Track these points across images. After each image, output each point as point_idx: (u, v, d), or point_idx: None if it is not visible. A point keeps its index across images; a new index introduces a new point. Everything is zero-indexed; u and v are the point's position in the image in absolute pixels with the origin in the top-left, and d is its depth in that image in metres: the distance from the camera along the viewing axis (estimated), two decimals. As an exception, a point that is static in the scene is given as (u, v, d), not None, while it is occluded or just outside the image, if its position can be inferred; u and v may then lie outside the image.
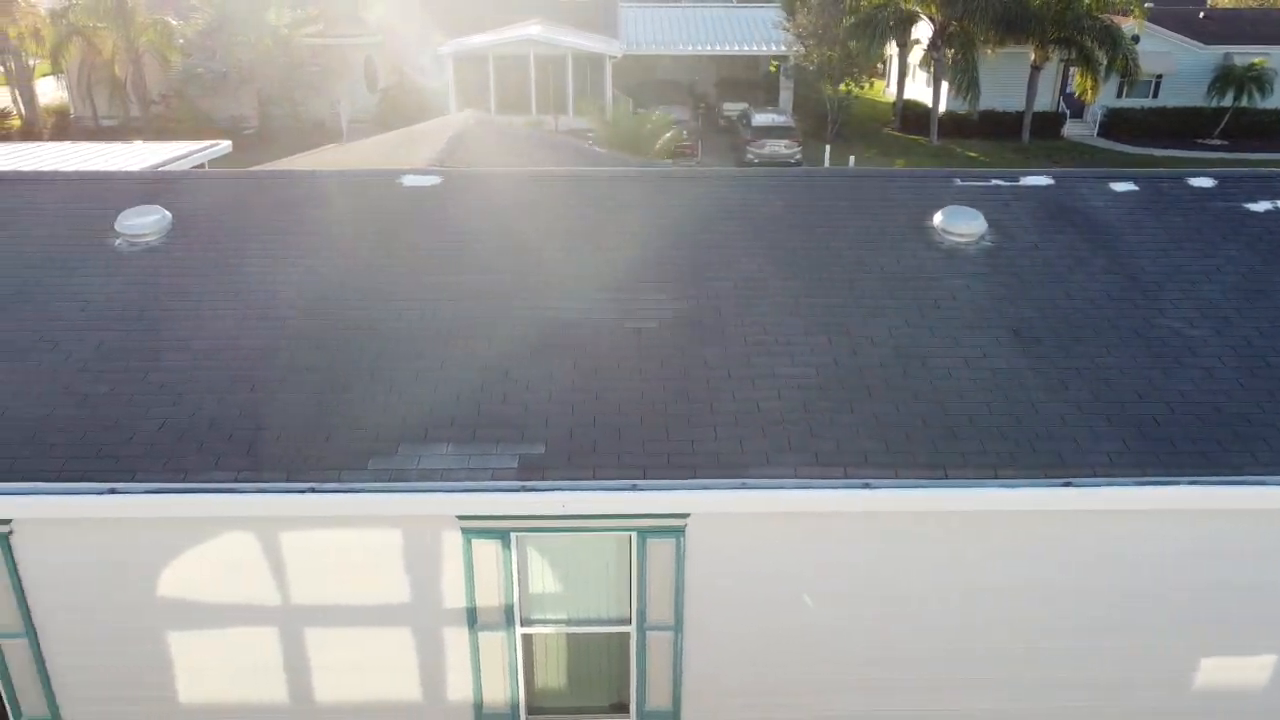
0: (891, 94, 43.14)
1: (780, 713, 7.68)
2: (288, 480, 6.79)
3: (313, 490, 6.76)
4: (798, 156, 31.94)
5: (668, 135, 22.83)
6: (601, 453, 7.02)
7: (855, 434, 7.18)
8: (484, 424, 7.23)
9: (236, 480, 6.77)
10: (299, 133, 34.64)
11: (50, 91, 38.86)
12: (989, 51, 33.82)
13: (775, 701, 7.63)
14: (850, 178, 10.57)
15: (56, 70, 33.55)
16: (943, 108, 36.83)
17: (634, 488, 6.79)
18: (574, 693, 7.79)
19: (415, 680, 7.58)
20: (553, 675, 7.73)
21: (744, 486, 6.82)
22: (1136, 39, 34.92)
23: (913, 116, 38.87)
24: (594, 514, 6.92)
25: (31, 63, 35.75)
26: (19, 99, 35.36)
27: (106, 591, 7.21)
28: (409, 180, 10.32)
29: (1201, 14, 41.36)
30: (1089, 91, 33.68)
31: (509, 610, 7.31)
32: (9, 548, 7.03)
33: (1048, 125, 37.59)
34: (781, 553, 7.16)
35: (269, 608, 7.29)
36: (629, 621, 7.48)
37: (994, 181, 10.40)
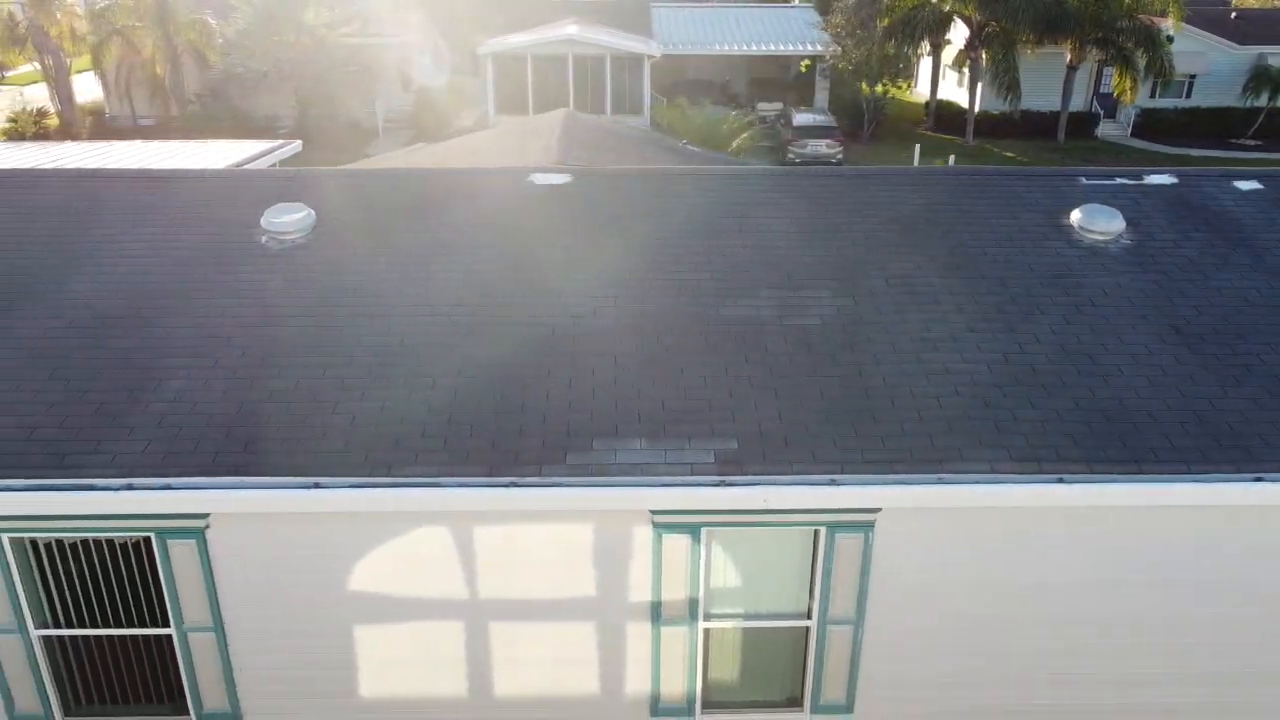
0: (918, 94, 43.19)
1: (957, 705, 7.73)
2: (489, 475, 6.83)
3: (514, 485, 6.81)
4: (839, 156, 31.99)
5: (745, 135, 22.95)
6: (795, 447, 7.07)
7: (1041, 429, 7.23)
8: (671, 419, 7.28)
9: (440, 475, 6.82)
10: (335, 132, 34.68)
11: (83, 90, 38.83)
12: (1028, 52, 33.88)
13: (953, 695, 7.67)
14: (978, 177, 10.62)
15: (97, 69, 33.55)
16: (977, 107, 36.88)
17: (833, 482, 6.85)
18: (748, 687, 7.83)
19: (594, 674, 7.62)
20: (728, 669, 7.78)
21: (940, 482, 6.87)
22: (1170, 39, 34.99)
23: (946, 116, 38.93)
24: (789, 509, 6.97)
25: (67, 61, 35.76)
26: (57, 97, 35.35)
27: (295, 586, 7.25)
28: (539, 179, 10.37)
29: (1233, 14, 41.44)
30: (1128, 92, 33.75)
31: (693, 604, 7.36)
32: (205, 543, 7.07)
33: (1081, 125, 37.67)
34: (969, 546, 7.21)
35: (455, 602, 7.34)
36: (808, 615, 7.53)
37: (1119, 180, 10.47)
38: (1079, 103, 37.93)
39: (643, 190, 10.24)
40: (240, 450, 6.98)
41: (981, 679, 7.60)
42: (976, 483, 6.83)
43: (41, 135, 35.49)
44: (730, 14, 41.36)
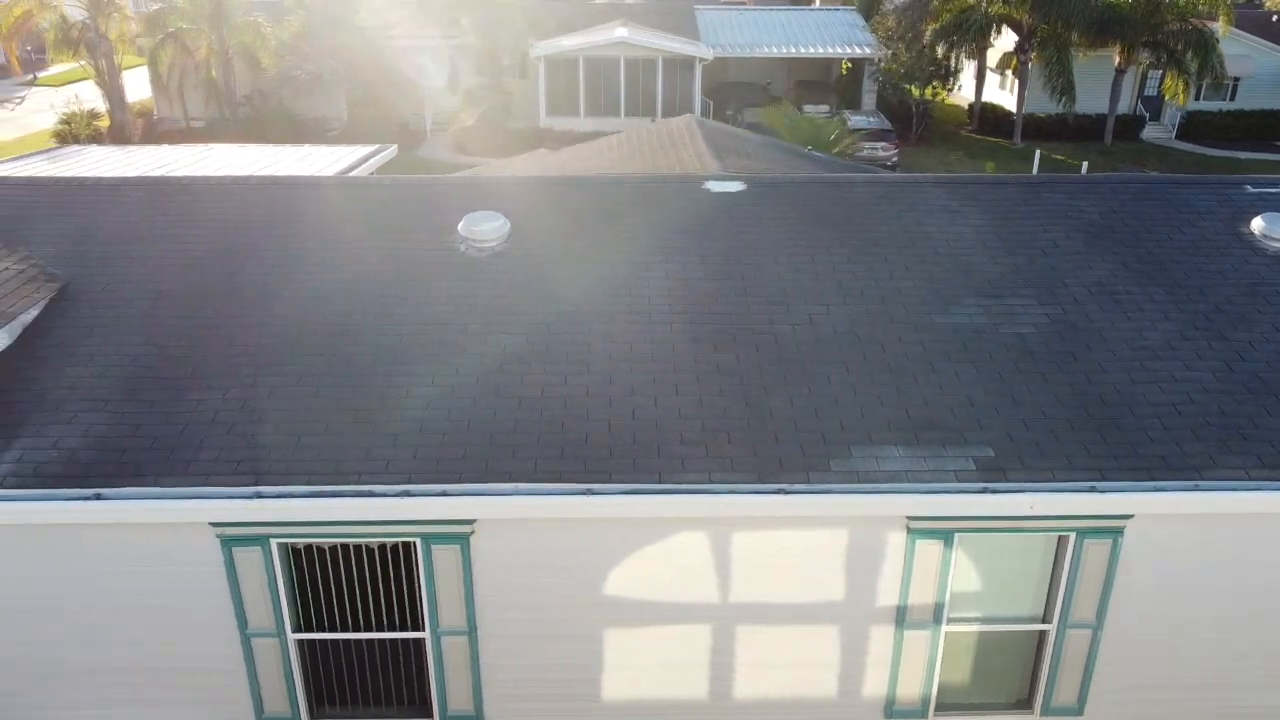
0: (958, 97, 43.32)
1: (1188, 707, 7.86)
2: (758, 481, 6.96)
3: (781, 491, 6.93)
4: (894, 159, 32.12)
5: (848, 140, 23.24)
6: (1048, 455, 7.20)
7: (1285, 436, 7.37)
8: (919, 426, 7.41)
9: (710, 481, 6.95)
10: (384, 134, 34.73)
11: (131, 90, 38.81)
12: (1079, 55, 34.03)
13: (1188, 697, 7.81)
14: (1147, 184, 10.72)
15: (154, 73, 33.63)
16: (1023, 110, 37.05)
17: (1093, 489, 6.97)
18: (980, 689, 7.95)
19: (833, 676, 7.75)
20: (962, 671, 7.90)
21: (1197, 489, 6.99)
22: (1216, 41, 35.12)
23: (990, 119, 39.06)
24: (1047, 515, 7.09)
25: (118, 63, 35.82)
26: (110, 99, 35.41)
27: (549, 590, 7.37)
28: (714, 186, 10.50)
29: (1275, 17, 41.61)
30: (1180, 95, 33.91)
31: (938, 608, 7.48)
32: (468, 548, 7.19)
33: (1127, 128, 37.80)
34: (1216, 551, 7.33)
35: (704, 606, 7.46)
36: (1045, 619, 7.66)
37: (1282, 188, 10.60)
38: (1123, 105, 38.06)
39: (817, 197, 10.37)
40: (509, 457, 7.10)
41: (1227, 682, 7.72)
42: (1235, 489, 6.96)
43: (94, 137, 35.58)
44: (773, 16, 41.46)
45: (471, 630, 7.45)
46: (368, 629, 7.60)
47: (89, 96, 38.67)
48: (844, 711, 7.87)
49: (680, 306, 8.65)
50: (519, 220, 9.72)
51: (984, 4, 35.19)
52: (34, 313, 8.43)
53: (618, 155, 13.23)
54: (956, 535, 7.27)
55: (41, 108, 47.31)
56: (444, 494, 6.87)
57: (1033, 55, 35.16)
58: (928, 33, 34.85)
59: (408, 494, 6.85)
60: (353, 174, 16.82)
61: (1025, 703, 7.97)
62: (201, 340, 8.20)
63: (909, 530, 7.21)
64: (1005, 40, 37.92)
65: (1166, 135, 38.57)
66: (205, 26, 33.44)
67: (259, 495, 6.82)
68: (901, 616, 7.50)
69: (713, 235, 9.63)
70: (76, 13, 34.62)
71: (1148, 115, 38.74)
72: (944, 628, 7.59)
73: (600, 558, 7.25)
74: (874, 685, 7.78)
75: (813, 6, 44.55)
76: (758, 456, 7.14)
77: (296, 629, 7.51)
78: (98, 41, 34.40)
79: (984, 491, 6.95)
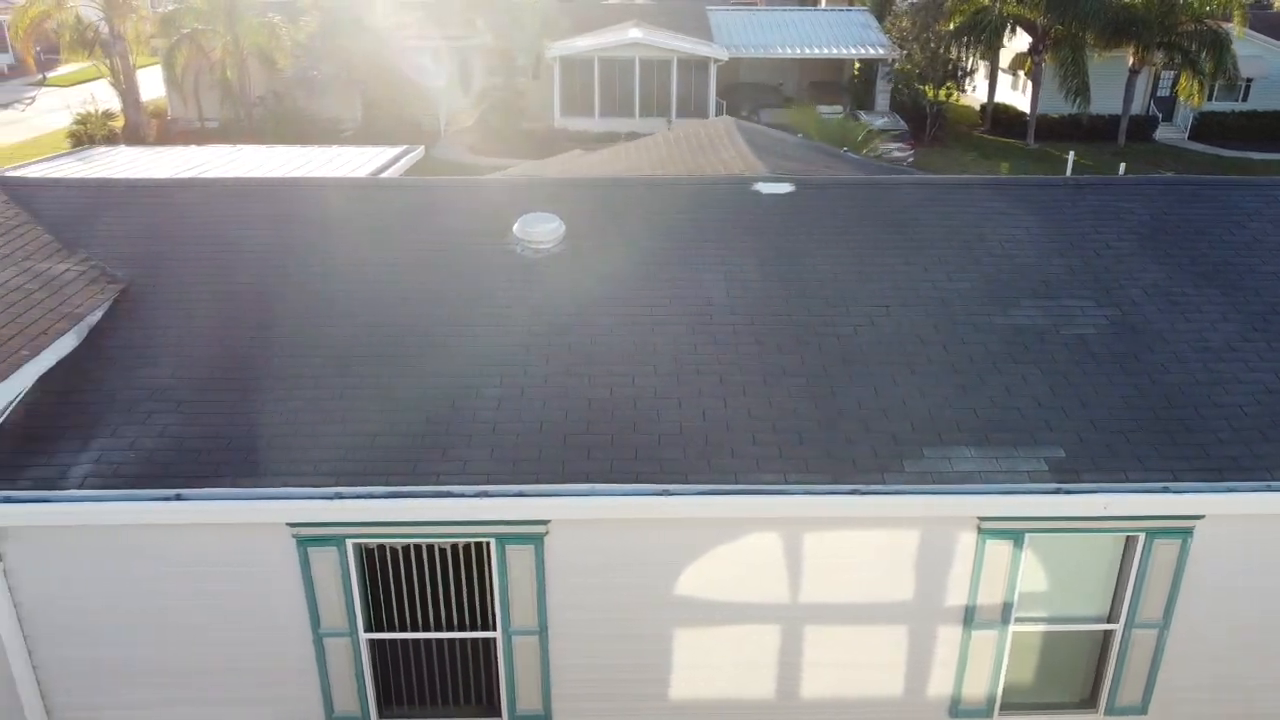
0: (969, 98, 43.35)
1: (1252, 708, 7.90)
2: (833, 482, 7.00)
3: (856, 492, 6.97)
4: (910, 159, 32.15)
5: (876, 141, 23.47)
6: (1119, 455, 7.24)
7: (1353, 437, 7.41)
8: (989, 428, 7.45)
9: (785, 482, 6.99)
10: (398, 134, 34.76)
11: (143, 90, 38.78)
12: (1094, 56, 34.07)
13: (1251, 697, 7.85)
14: (1193, 186, 10.76)
15: (169, 73, 33.65)
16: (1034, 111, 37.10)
17: (1166, 490, 7.02)
18: (1045, 689, 7.99)
19: (899, 676, 7.79)
20: (1027, 671, 7.94)
21: (1269, 489, 7.04)
22: (1230, 42, 35.16)
23: (1002, 119, 39.10)
24: (1119, 516, 7.13)
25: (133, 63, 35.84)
26: (124, 99, 35.43)
27: (619, 590, 7.41)
28: (764, 188, 10.54)
29: (1286, 18, 41.67)
30: (1195, 95, 33.96)
31: (1006, 608, 7.52)
32: (542, 548, 7.23)
33: (1140, 128, 37.84)
34: (1284, 553, 7.39)
35: (773, 606, 7.50)
36: (1111, 618, 7.70)
37: (1328, 189, 10.64)
38: (1135, 106, 38.08)
39: (866, 199, 10.41)
40: (583, 458, 7.14)
41: (1285, 681, 7.78)
42: (1306, 490, 7.00)
43: (110, 138, 35.59)
44: (785, 16, 41.48)
45: (542, 630, 7.49)
46: (438, 629, 7.63)
47: (102, 97, 38.65)
48: (909, 711, 7.92)
49: (740, 308, 8.69)
50: (572, 222, 9.75)
51: (998, 4, 35.22)
52: (99, 314, 8.46)
53: (656, 156, 13.26)
54: (1027, 535, 7.31)
55: (52, 108, 47.33)
56: (521, 494, 6.91)
57: (1046, 56, 35.18)
58: (942, 33, 34.86)
59: (485, 494, 6.89)
60: (385, 175, 16.87)
61: (1089, 702, 8.01)
62: (266, 341, 8.23)
63: (980, 530, 7.25)
64: (1017, 41, 37.96)
65: (1179, 136, 38.60)
66: (221, 27, 33.45)
67: (339, 496, 6.86)
68: (969, 616, 7.54)
69: (767, 237, 9.66)
70: (91, 13, 34.64)
71: (1160, 116, 38.77)
72: (1011, 627, 7.63)
73: (672, 558, 7.29)
74: (939, 685, 7.82)
75: (825, 7, 44.54)
76: (831, 457, 7.18)
77: (368, 629, 7.54)
78: (113, 42, 34.42)
79: (1058, 492, 6.99)
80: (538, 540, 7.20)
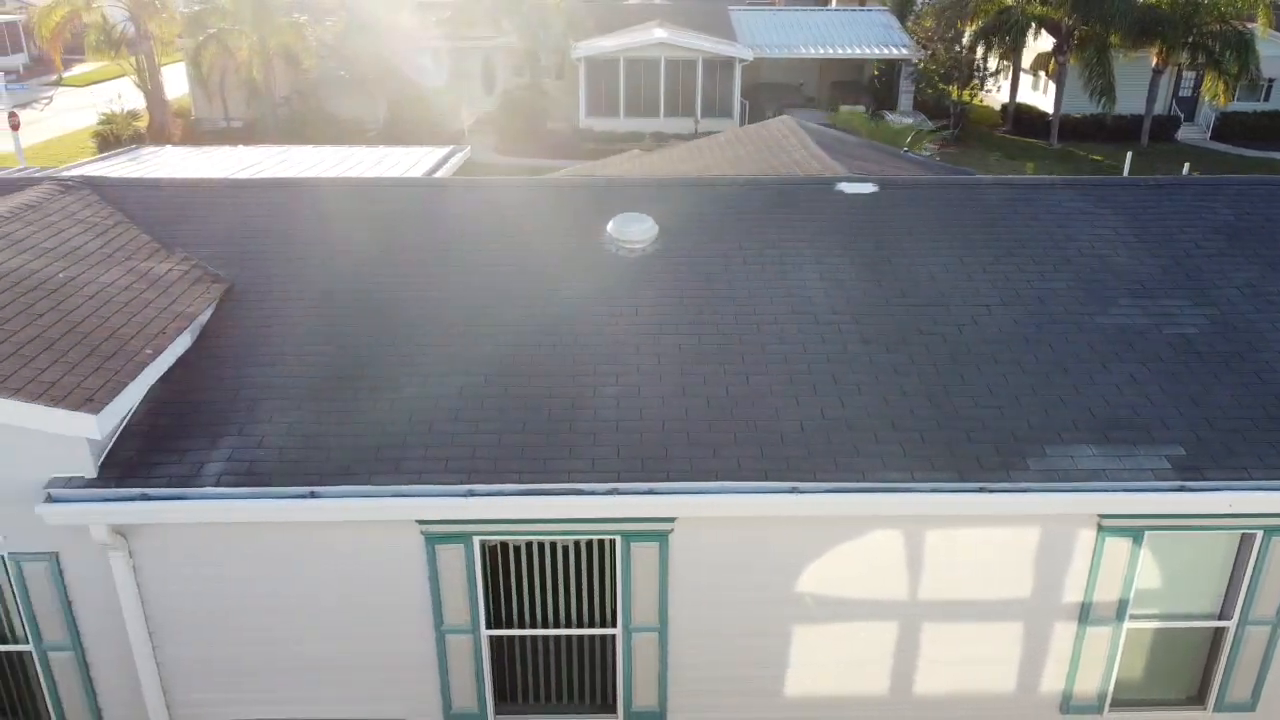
0: (989, 99, 43.43)
1: (1362, 704, 7.98)
2: (960, 479, 7.06)
3: (983, 490, 7.03)
4: (935, 159, 32.19)
5: (926, 140, 23.80)
6: (1237, 453, 7.30)
7: None
8: (1107, 425, 7.51)
9: (912, 480, 7.05)
10: (422, 134, 34.84)
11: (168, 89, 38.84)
12: (1121, 56, 34.17)
13: (1363, 693, 7.93)
14: (1268, 186, 10.80)
15: (195, 73, 33.69)
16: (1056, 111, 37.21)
17: (1288, 487, 7.08)
18: (1155, 685, 8.05)
19: (1012, 672, 7.85)
20: (1137, 668, 8.00)
21: (1392, 486, 7.10)
22: (1254, 42, 35.25)
23: (1025, 119, 39.20)
24: (1240, 513, 7.20)
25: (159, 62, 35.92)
26: (150, 99, 35.50)
27: (740, 587, 7.47)
28: (848, 188, 10.60)
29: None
30: (1220, 95, 34.06)
31: (1122, 605, 7.59)
32: (667, 546, 7.29)
33: (1162, 128, 37.94)
34: (1400, 550, 7.45)
35: (891, 602, 7.57)
36: (1224, 615, 7.76)
37: (1406, 189, 10.70)
38: (1158, 106, 38.17)
39: (950, 199, 10.47)
40: (710, 455, 7.20)
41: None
42: None
43: (136, 138, 35.66)
44: (807, 17, 41.58)
45: (662, 626, 7.56)
46: (557, 625, 7.69)
47: (127, 96, 38.71)
48: (1020, 707, 7.98)
49: (841, 307, 8.75)
50: (662, 221, 9.81)
51: (1022, 4, 35.31)
52: (207, 314, 8.52)
53: (725, 157, 13.31)
54: (1146, 533, 7.37)
55: (70, 108, 47.43)
56: (651, 492, 6.96)
57: (1070, 56, 35.27)
58: (967, 33, 34.94)
59: (617, 492, 6.95)
60: (438, 175, 16.94)
61: (1197, 699, 8.08)
62: (376, 339, 8.29)
63: (1100, 528, 7.32)
64: (1039, 42, 38.04)
65: (1201, 136, 38.72)
66: (247, 27, 33.50)
67: (471, 493, 6.92)
68: (1085, 613, 7.61)
69: (857, 236, 9.72)
70: (116, 13, 34.70)
71: (1182, 116, 38.86)
72: (1126, 624, 7.69)
73: (794, 555, 7.36)
74: (1052, 681, 7.89)
75: (843, 7, 44.60)
76: (954, 455, 7.24)
77: (489, 625, 7.60)
78: (139, 41, 34.47)
79: (1182, 490, 7.05)
80: (663, 538, 7.26)
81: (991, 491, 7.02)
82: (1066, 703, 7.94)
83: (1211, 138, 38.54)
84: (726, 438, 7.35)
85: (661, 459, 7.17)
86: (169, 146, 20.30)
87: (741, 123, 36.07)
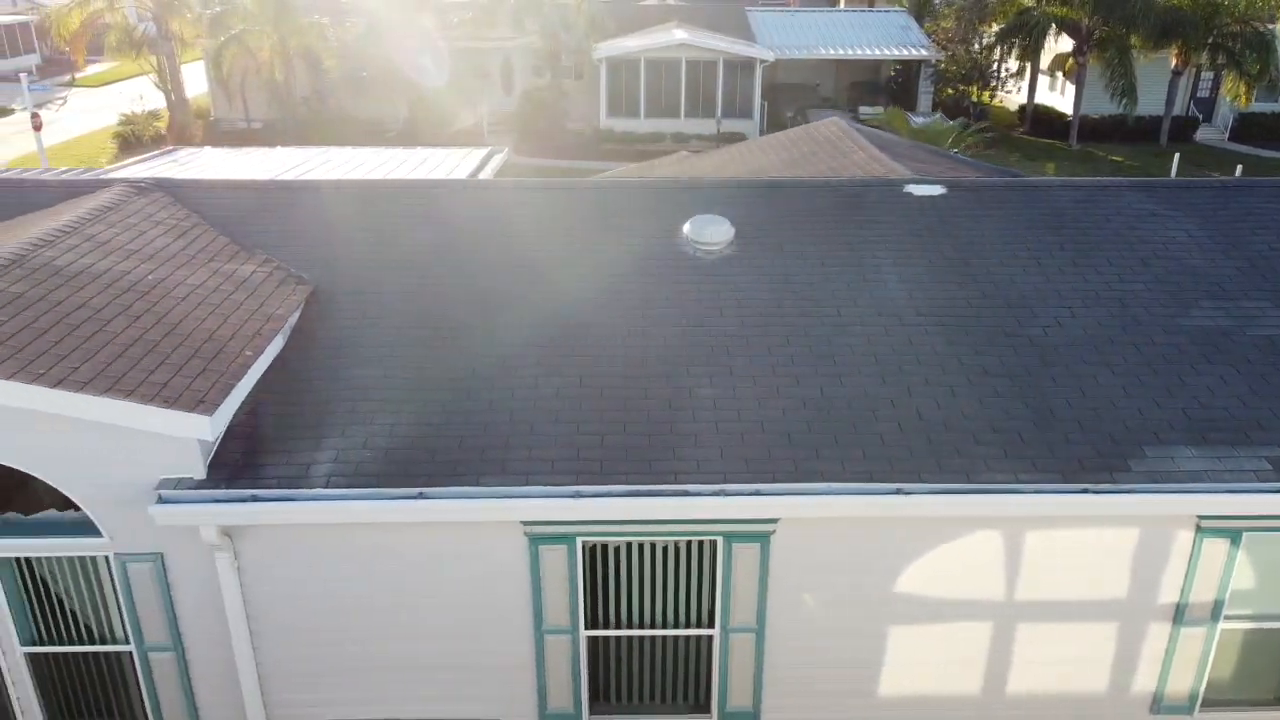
0: (1004, 99, 43.48)
1: None
2: (1063, 480, 7.09)
3: (1086, 491, 7.06)
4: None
5: (968, 140, 23.97)
6: (1338, 455, 7.34)
7: None
8: (1203, 427, 7.53)
9: (1017, 481, 7.08)
10: (442, 135, 34.89)
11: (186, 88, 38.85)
12: (1142, 57, 34.22)
13: None
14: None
15: (216, 73, 33.72)
16: (1071, 111, 37.25)
17: (1390, 488, 7.11)
18: (1246, 685, 8.09)
19: (1104, 672, 7.89)
20: (1230, 668, 8.03)
21: None
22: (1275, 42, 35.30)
23: (1043, 120, 39.23)
24: (1339, 513, 7.24)
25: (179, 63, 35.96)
26: (171, 99, 35.53)
27: (839, 588, 7.51)
28: (917, 190, 10.63)
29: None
30: (1242, 96, 34.10)
31: (1217, 606, 7.62)
32: (768, 547, 7.33)
33: (1181, 129, 37.96)
34: None
35: (987, 603, 7.60)
36: (1316, 617, 7.81)
37: None
38: (1175, 107, 38.18)
39: (1019, 201, 10.49)
40: (813, 456, 7.23)
41: None
42: None
43: (157, 139, 35.70)
44: (824, 17, 41.64)
45: (760, 627, 7.59)
46: (655, 626, 7.73)
47: (147, 97, 38.76)
48: (1111, 706, 8.02)
49: (925, 309, 8.79)
50: (734, 223, 9.84)
51: (1042, 6, 35.36)
52: (295, 315, 8.55)
53: (777, 159, 13.35)
54: (1244, 534, 7.41)
55: (85, 108, 47.46)
56: (758, 493, 7.00)
57: (1090, 57, 35.31)
58: (987, 35, 34.98)
59: (723, 493, 6.98)
60: (481, 176, 16.97)
61: (1289, 699, 8.12)
62: (466, 340, 8.33)
63: (1198, 529, 7.35)
64: (1058, 43, 38.08)
65: (1219, 137, 38.75)
66: (269, 27, 33.53)
67: (578, 494, 6.95)
68: (1180, 614, 7.64)
69: (932, 239, 9.76)
70: (134, 13, 34.74)
71: (1201, 117, 38.90)
72: (1220, 625, 7.72)
73: (893, 555, 7.40)
74: (1144, 681, 7.92)
75: (859, 8, 44.64)
76: (1055, 457, 7.27)
77: (588, 626, 7.64)
78: (161, 42, 34.51)
79: (1285, 491, 7.09)
80: (765, 538, 7.30)
81: (1095, 493, 7.05)
82: (1158, 703, 7.98)
83: (1230, 139, 38.57)
84: (826, 439, 7.39)
85: (765, 460, 7.20)
86: (207, 148, 20.30)
87: (762, 124, 36.16)
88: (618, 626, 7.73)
